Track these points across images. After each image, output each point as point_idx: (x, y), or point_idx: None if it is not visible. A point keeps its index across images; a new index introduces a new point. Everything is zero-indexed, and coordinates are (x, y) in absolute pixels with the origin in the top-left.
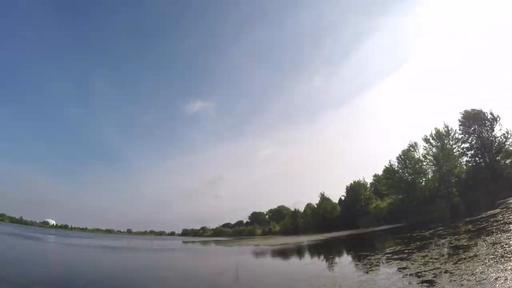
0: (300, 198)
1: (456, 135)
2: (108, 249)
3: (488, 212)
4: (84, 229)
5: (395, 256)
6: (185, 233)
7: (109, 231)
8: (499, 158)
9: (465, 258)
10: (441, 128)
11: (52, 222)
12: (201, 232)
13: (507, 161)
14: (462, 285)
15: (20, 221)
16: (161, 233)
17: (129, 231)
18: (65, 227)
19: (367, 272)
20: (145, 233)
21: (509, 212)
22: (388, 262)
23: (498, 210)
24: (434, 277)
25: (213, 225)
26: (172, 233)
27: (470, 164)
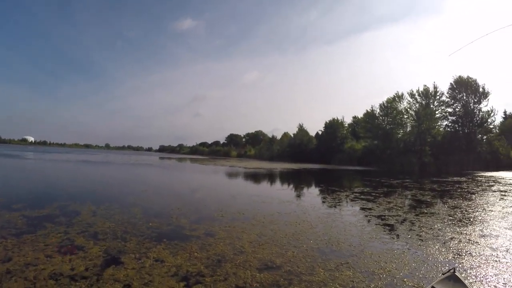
0: (278, 126)
1: (443, 98)
2: (87, 163)
3: (455, 178)
4: (63, 145)
5: (362, 196)
6: (162, 149)
7: (87, 146)
8: (478, 132)
9: (426, 213)
10: (430, 87)
11: (31, 139)
12: (178, 149)
13: (484, 137)
14: (419, 235)
15: None
16: (138, 149)
17: (107, 146)
18: (43, 143)
19: (335, 206)
20: (123, 148)
21: (474, 183)
22: (355, 200)
23: (464, 179)
24: (396, 222)
25: (190, 143)
26: (150, 149)
27: (448, 129)
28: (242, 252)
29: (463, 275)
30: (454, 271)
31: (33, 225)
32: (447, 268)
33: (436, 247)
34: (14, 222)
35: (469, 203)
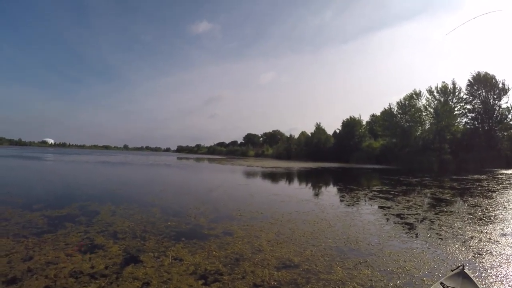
0: (295, 125)
1: (461, 95)
2: (106, 164)
3: (475, 176)
4: (82, 146)
5: (381, 195)
6: (180, 149)
7: (106, 147)
8: (497, 128)
9: (446, 211)
10: (449, 83)
11: (51, 141)
12: (196, 150)
13: (505, 134)
14: (439, 234)
15: (19, 143)
16: (156, 149)
17: (125, 147)
18: (63, 145)
19: (353, 205)
20: (141, 149)
21: (495, 181)
22: (373, 199)
23: (484, 177)
24: (415, 221)
25: (207, 143)
26: (168, 150)
27: (468, 126)
28: (260, 250)
29: (477, 274)
30: (463, 268)
31: (54, 224)
32: (466, 266)
33: (456, 246)
34: (35, 222)
35: (489, 201)
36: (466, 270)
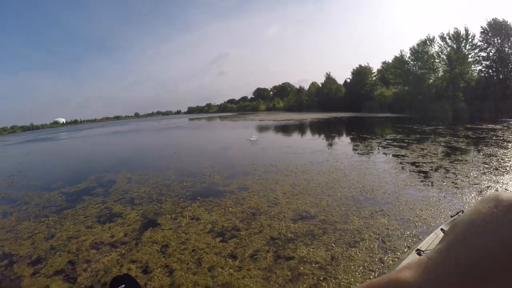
0: (305, 77)
1: (475, 41)
2: (118, 134)
3: (490, 126)
4: (93, 120)
5: (395, 143)
6: (191, 110)
7: (117, 118)
8: None
9: (460, 160)
10: (461, 29)
11: (62, 120)
12: (206, 109)
13: None
14: (455, 183)
15: (31, 127)
16: (167, 113)
17: (136, 115)
18: (74, 122)
19: (367, 154)
20: (152, 114)
21: (510, 131)
22: (387, 147)
23: (499, 127)
24: (430, 169)
25: (218, 101)
26: (178, 112)
27: (482, 74)
28: (276, 203)
29: None
30: (463, 213)
31: (72, 200)
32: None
33: (472, 195)
34: (54, 200)
35: (505, 151)
36: None
